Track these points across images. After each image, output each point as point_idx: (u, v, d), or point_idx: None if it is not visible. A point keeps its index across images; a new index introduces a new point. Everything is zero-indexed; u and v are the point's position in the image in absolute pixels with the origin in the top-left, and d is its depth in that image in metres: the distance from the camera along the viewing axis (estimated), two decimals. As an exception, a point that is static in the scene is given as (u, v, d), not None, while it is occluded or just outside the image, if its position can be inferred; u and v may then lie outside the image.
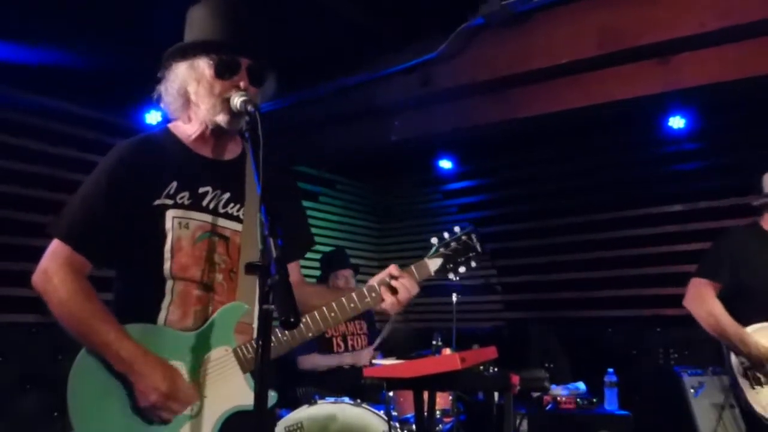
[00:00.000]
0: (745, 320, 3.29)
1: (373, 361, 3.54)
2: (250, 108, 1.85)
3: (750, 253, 3.38)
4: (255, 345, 1.99)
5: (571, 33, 4.01)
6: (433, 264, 2.17)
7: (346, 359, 4.70)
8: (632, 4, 3.83)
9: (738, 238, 3.49)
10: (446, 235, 2.20)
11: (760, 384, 3.20)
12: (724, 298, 3.37)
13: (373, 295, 2.08)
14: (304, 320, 2.01)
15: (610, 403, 4.75)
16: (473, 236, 2.21)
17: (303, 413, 3.59)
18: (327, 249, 5.52)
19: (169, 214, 1.99)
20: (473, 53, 4.37)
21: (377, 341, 4.78)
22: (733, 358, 3.30)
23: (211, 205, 2.06)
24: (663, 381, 5.00)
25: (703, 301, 3.37)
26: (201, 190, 2.06)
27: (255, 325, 2.06)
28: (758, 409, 3.17)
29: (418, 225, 7.61)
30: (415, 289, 2.10)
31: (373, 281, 2.12)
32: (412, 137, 5.17)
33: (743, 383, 3.25)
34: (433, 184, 7.60)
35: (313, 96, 5.07)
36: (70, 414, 1.86)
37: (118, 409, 1.89)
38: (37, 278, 1.95)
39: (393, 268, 2.10)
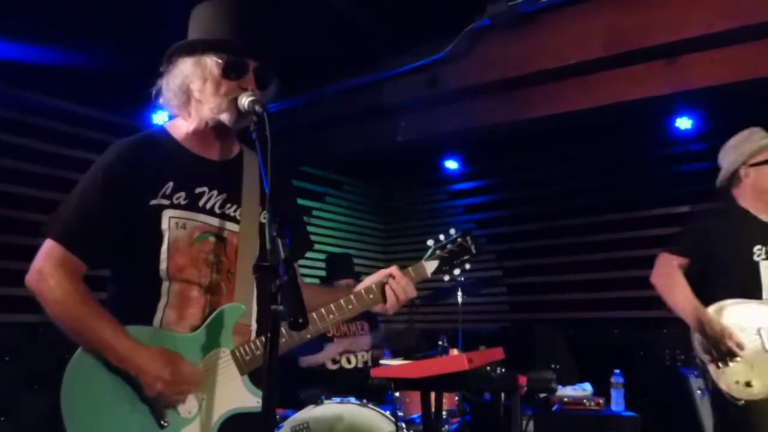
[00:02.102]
0: (712, 298, 3.17)
1: (381, 362, 3.53)
2: (258, 108, 1.82)
3: (726, 229, 3.28)
4: (253, 346, 1.97)
5: (578, 34, 4.00)
6: (430, 266, 2.18)
7: (344, 345, 4.70)
8: (640, 4, 3.82)
9: (716, 213, 3.42)
10: (442, 237, 2.22)
11: (726, 362, 3.06)
12: (692, 275, 3.25)
13: (371, 296, 2.09)
14: None
15: (617, 404, 4.75)
16: (468, 238, 2.21)
17: (309, 413, 3.59)
18: (333, 250, 5.51)
19: (166, 214, 1.96)
20: (480, 54, 4.37)
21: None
22: (696, 337, 3.21)
23: (208, 206, 2.03)
24: (670, 382, 4.99)
25: (664, 275, 3.27)
26: (197, 190, 2.03)
27: (253, 326, 2.05)
28: (723, 387, 3.05)
29: (424, 225, 7.60)
30: (412, 291, 2.12)
31: (371, 282, 2.12)
32: (419, 138, 5.15)
33: (709, 363, 3.13)
34: (440, 184, 7.59)
35: (320, 96, 5.07)
36: (65, 418, 1.82)
37: (115, 412, 1.85)
38: (31, 278, 1.92)
39: (391, 270, 2.12)
